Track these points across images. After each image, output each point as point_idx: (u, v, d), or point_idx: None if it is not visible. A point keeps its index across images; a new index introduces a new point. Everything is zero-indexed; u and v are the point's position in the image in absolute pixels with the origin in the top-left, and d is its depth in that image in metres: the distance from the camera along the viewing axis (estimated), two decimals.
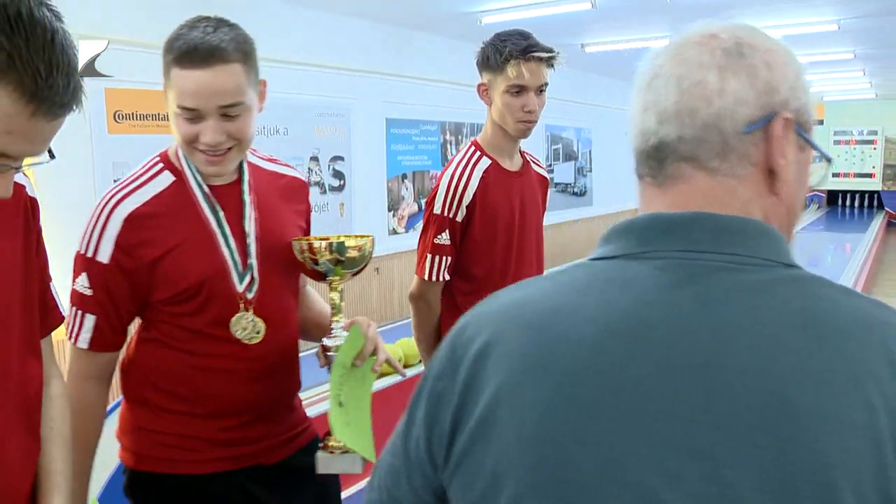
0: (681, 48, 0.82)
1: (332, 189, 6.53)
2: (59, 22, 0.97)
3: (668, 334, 0.69)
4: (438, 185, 2.10)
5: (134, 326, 1.62)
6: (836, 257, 11.08)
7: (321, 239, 1.56)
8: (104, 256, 1.49)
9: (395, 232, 7.32)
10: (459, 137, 8.12)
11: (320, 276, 1.58)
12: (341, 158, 6.61)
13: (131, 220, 1.48)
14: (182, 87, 1.41)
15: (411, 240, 7.29)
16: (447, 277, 2.09)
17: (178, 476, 1.55)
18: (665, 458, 0.66)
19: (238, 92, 1.43)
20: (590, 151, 11.29)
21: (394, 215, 7.30)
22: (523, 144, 2.28)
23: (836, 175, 16.44)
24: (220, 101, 1.42)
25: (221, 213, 1.53)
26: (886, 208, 15.89)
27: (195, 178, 1.52)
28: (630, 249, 0.78)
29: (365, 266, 1.60)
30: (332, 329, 1.58)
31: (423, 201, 7.62)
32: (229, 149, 1.48)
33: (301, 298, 1.75)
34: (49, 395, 1.32)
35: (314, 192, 6.34)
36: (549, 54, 2.07)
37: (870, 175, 16.15)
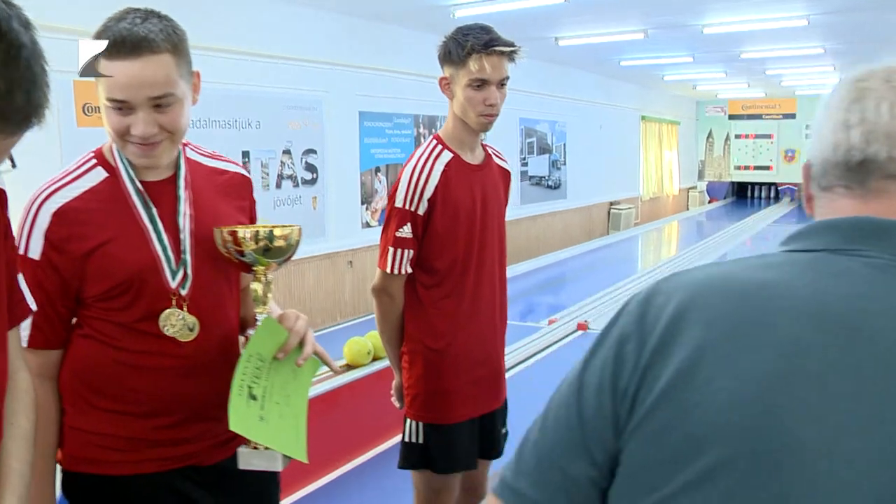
0: (890, 75, 0.85)
1: (305, 182, 6.52)
2: (30, 32, 0.94)
3: (889, 328, 0.74)
4: (400, 178, 2.11)
5: None
6: None
7: (245, 228, 1.52)
8: (35, 252, 1.47)
9: (368, 225, 7.32)
10: (433, 130, 8.12)
11: (245, 267, 1.54)
12: (314, 152, 6.60)
13: (60, 215, 1.47)
14: (112, 79, 1.39)
15: None
16: (409, 270, 2.10)
17: (111, 477, 1.52)
18: (883, 440, 0.70)
19: (168, 83, 1.41)
20: (564, 144, 11.34)
21: (367, 208, 7.30)
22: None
23: None
24: (150, 93, 1.40)
25: (154, 209, 1.51)
26: None
27: (128, 173, 1.51)
28: (833, 245, 0.81)
29: (290, 256, 1.56)
30: (256, 321, 1.55)
31: None
32: (161, 140, 1.46)
33: (244, 297, 1.72)
34: (15, 389, 1.29)
35: (287, 186, 6.33)
36: (511, 48, 2.08)
37: None
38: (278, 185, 6.24)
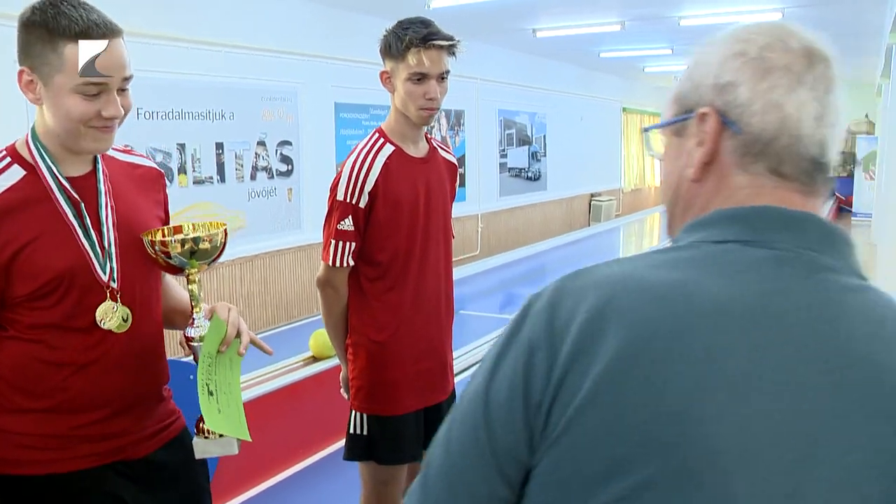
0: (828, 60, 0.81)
1: (280, 174, 6.51)
2: None
3: (798, 324, 0.72)
4: (341, 171, 2.12)
5: None
6: None
7: (173, 232, 1.57)
8: None
9: None
10: None
11: (176, 270, 1.58)
12: (289, 143, 6.58)
13: None
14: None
15: None
16: (352, 263, 2.11)
17: (38, 477, 1.50)
18: (800, 444, 0.69)
19: (130, 65, 1.48)
20: (544, 136, 11.35)
21: None
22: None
23: None
24: (125, 73, 1.46)
25: (82, 203, 1.51)
26: (837, 194, 16.16)
27: (50, 169, 1.49)
28: (743, 237, 0.77)
29: (219, 256, 1.61)
30: (193, 319, 1.59)
31: None
32: (117, 124, 1.50)
33: (163, 288, 1.74)
34: None
35: (261, 177, 6.32)
36: (450, 42, 2.09)
37: None
38: (253, 177, 6.23)
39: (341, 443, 3.95)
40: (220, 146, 5.91)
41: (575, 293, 0.76)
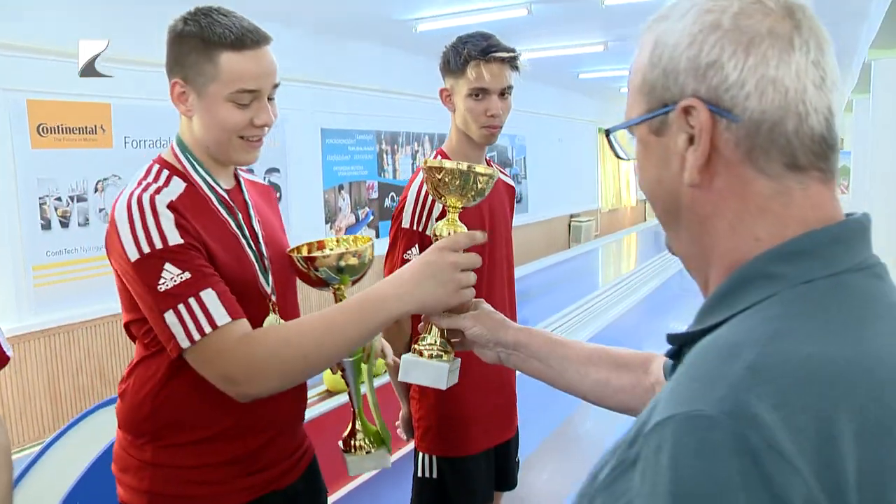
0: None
1: None
2: None
3: None
4: (405, 197, 1.97)
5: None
6: None
7: (317, 247, 1.55)
8: (174, 238, 1.31)
9: None
10: (395, 147, 8.02)
11: (322, 284, 1.53)
12: (277, 170, 6.43)
13: (174, 209, 1.34)
14: (243, 70, 1.39)
15: None
16: None
17: None
18: None
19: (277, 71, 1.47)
20: (524, 158, 11.32)
21: (331, 227, 7.15)
22: None
23: None
24: (274, 80, 1.46)
25: (240, 215, 1.48)
26: None
27: (206, 181, 1.46)
28: (849, 264, 0.65)
29: (366, 272, 1.55)
30: None
31: (359, 212, 7.48)
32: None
33: None
34: None
35: None
36: (511, 54, 1.97)
37: None
38: None
39: (360, 480, 3.82)
40: None
41: (778, 425, 0.53)
